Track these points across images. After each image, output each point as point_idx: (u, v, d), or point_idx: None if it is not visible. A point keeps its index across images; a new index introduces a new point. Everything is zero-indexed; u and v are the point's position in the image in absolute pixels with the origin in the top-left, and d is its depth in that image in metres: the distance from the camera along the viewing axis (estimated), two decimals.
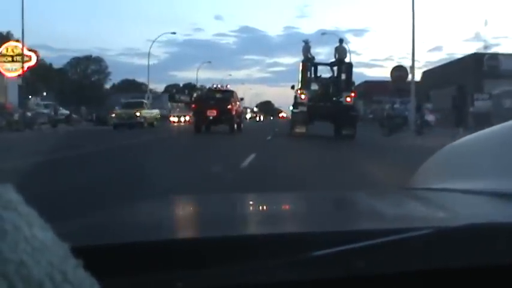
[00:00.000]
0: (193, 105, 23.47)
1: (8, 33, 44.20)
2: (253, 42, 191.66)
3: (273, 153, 11.63)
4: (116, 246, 0.65)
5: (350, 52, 38.37)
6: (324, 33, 42.91)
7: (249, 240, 0.70)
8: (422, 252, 0.62)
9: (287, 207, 1.32)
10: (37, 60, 31.51)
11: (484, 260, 0.64)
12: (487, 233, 0.65)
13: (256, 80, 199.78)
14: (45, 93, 46.91)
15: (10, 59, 29.16)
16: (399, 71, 23.85)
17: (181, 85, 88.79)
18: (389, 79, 24.41)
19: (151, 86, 78.65)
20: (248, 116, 42.22)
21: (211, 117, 20.26)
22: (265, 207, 1.29)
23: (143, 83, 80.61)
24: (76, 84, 57.94)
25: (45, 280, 0.28)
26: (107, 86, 72.07)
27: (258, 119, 74.68)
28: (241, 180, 6.70)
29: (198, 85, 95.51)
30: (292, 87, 20.53)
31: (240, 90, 30.19)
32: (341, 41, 19.42)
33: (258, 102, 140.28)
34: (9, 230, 0.29)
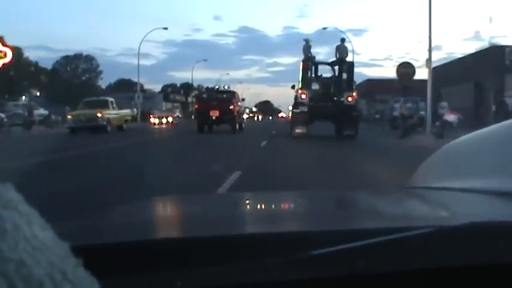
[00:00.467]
0: (196, 106, 24.73)
1: None
2: (252, 42, 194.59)
3: (266, 167, 9.03)
4: (115, 245, 0.67)
5: (353, 51, 38.27)
6: (325, 28, 42.78)
7: (249, 239, 0.72)
8: (423, 251, 0.64)
9: (287, 206, 1.34)
10: (12, 56, 29.67)
11: (484, 258, 0.65)
12: (487, 231, 0.67)
13: (256, 80, 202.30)
14: (38, 93, 46.49)
15: None
16: (406, 68, 22.65)
17: (178, 85, 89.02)
18: (392, 77, 24.32)
19: (150, 86, 78.81)
20: (245, 116, 41.49)
21: (213, 118, 21.28)
22: (265, 206, 1.31)
23: (137, 82, 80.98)
24: (66, 84, 56.35)
25: (45, 279, 0.28)
26: (103, 85, 71.55)
27: (256, 119, 74.64)
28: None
29: (196, 85, 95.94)
30: (293, 87, 20.63)
31: (238, 90, 29.82)
32: (343, 40, 19.45)
33: (257, 102, 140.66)
34: (9, 229, 0.29)
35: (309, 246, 0.61)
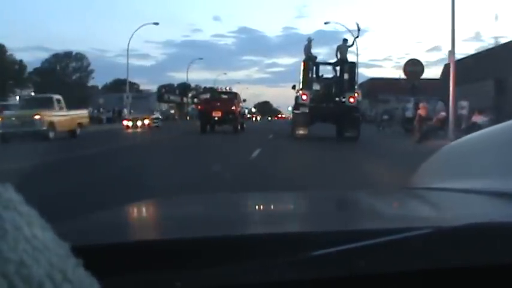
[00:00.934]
0: (199, 107, 26.55)
1: None
2: (251, 42, 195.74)
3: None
4: (115, 245, 0.68)
5: (357, 52, 38.04)
6: (327, 22, 42.68)
7: (249, 239, 0.73)
8: (423, 251, 0.65)
9: (288, 206, 1.37)
10: None
11: (483, 259, 0.67)
12: (487, 232, 0.68)
13: (255, 81, 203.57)
14: (33, 93, 46.17)
15: None
16: (414, 66, 21.15)
17: (175, 85, 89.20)
18: (395, 77, 23.69)
19: (148, 87, 78.71)
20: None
21: (216, 118, 22.38)
22: (266, 207, 1.34)
23: (135, 83, 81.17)
24: (55, 83, 54.00)
25: (45, 280, 0.29)
26: (98, 85, 71.54)
27: (254, 119, 74.59)
28: None
29: (193, 85, 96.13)
30: (293, 87, 20.74)
31: (236, 90, 29.86)
32: (344, 40, 19.36)
33: (257, 102, 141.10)
34: (10, 230, 0.30)
35: (310, 246, 0.63)
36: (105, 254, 0.62)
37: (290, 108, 22.33)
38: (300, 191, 4.33)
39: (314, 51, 19.42)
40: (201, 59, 77.13)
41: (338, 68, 19.05)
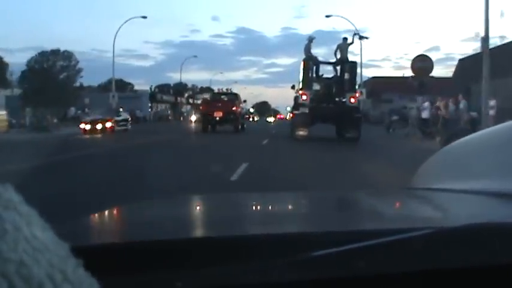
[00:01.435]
0: (201, 107, 28.03)
1: None
2: (250, 43, 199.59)
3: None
4: (115, 245, 0.70)
5: (361, 51, 37.55)
6: (328, 16, 42.26)
7: (250, 240, 0.75)
8: (423, 252, 0.67)
9: (288, 207, 1.39)
10: None
11: (483, 259, 0.69)
12: (487, 233, 0.70)
13: (254, 81, 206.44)
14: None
15: None
16: (422, 62, 19.91)
17: (171, 85, 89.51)
18: (397, 76, 23.09)
19: (146, 87, 78.75)
20: None
21: (217, 118, 23.76)
22: (266, 207, 1.37)
23: (129, 82, 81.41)
24: (42, 82, 52.61)
25: (45, 280, 0.30)
26: (89, 85, 71.27)
27: (252, 120, 74.63)
28: None
29: (190, 85, 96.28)
30: (293, 87, 20.85)
31: (234, 90, 30.30)
32: (345, 39, 19.32)
33: (255, 103, 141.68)
34: (10, 230, 0.31)
35: (310, 247, 0.64)
36: (105, 254, 0.64)
37: (289, 109, 22.60)
38: (300, 191, 4.39)
39: (313, 51, 19.31)
40: (195, 56, 77.66)
41: (338, 68, 19.05)
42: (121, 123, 28.39)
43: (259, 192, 3.90)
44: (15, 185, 0.33)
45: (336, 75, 19.29)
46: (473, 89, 20.64)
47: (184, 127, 35.11)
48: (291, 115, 22.10)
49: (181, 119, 58.88)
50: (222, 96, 26.88)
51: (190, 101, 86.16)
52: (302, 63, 18.89)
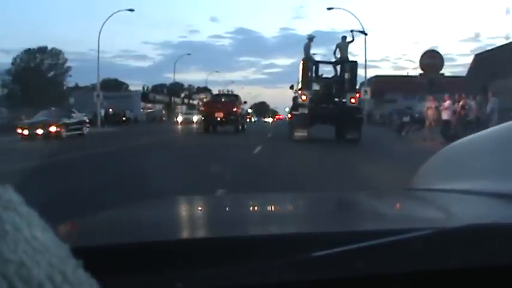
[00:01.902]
0: (202, 108, 29.60)
1: None
2: (248, 43, 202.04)
3: None
4: (115, 246, 0.71)
5: (365, 47, 37.39)
6: (330, 8, 41.90)
7: (249, 240, 0.77)
8: (423, 252, 0.68)
9: (288, 207, 1.42)
10: None
11: (483, 260, 0.70)
12: (487, 233, 0.71)
13: (252, 82, 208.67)
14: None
15: None
16: (432, 58, 18.98)
17: (167, 85, 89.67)
18: (401, 74, 22.39)
19: (141, 88, 78.87)
20: None
21: (218, 119, 24.98)
22: (265, 208, 1.39)
23: (124, 82, 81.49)
24: (28, 81, 51.64)
25: (45, 281, 0.31)
26: (79, 84, 70.85)
27: (249, 120, 74.65)
28: None
29: (186, 85, 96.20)
30: (291, 87, 20.92)
31: (230, 90, 31.34)
32: (344, 38, 19.28)
33: (253, 103, 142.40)
34: (10, 231, 0.31)
35: (310, 247, 0.66)
36: (105, 255, 0.65)
37: (288, 109, 22.70)
38: (300, 192, 4.44)
39: (311, 51, 19.32)
40: (189, 54, 77.87)
41: (338, 67, 19.06)
42: (73, 127, 23.23)
43: (258, 193, 3.88)
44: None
45: (335, 75, 19.30)
46: (491, 86, 18.88)
47: (172, 129, 34.48)
48: (290, 116, 22.08)
49: (175, 119, 58.50)
50: (223, 98, 28.73)
51: (186, 101, 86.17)
52: (301, 62, 18.87)
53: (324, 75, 19.82)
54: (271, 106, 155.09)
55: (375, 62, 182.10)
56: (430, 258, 0.70)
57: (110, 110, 46.59)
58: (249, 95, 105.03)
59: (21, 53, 58.49)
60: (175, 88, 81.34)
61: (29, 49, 58.72)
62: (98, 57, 36.85)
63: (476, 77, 19.06)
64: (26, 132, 21.63)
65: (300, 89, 18.52)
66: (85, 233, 0.89)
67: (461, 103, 18.43)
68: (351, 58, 19.25)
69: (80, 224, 1.01)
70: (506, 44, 28.15)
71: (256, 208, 1.41)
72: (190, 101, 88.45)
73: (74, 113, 24.91)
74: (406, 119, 23.89)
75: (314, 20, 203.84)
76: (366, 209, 1.32)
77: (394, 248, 0.68)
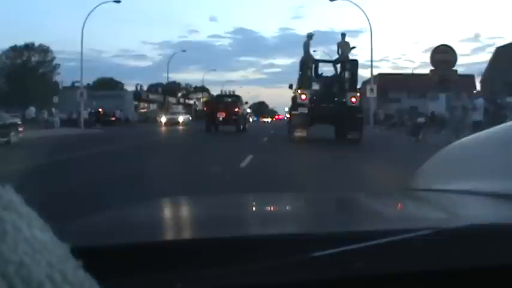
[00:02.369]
0: (205, 108, 31.45)
1: None
2: (248, 43, 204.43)
3: None
4: (115, 247, 0.74)
5: (371, 44, 35.61)
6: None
7: (248, 241, 0.79)
8: (423, 252, 0.71)
9: (288, 207, 1.44)
10: None
11: (483, 260, 0.73)
12: (486, 234, 0.74)
13: (252, 81, 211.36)
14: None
15: None
16: (444, 53, 17.07)
17: (164, 84, 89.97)
18: (406, 72, 21.33)
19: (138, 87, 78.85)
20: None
21: (221, 119, 26.40)
22: (265, 208, 1.41)
23: (119, 82, 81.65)
24: (13, 79, 50.49)
25: (45, 281, 0.31)
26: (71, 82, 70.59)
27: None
28: None
29: (184, 84, 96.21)
30: (290, 86, 20.81)
31: (229, 90, 32.27)
32: (343, 35, 19.36)
33: (252, 103, 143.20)
34: (10, 231, 0.32)
35: (310, 248, 0.68)
36: (104, 255, 0.67)
37: (287, 109, 22.88)
38: (300, 192, 4.49)
39: (311, 50, 19.33)
40: (184, 51, 77.91)
41: (339, 66, 19.13)
42: None
43: (258, 193, 3.96)
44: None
45: (336, 74, 19.35)
46: None
47: (158, 130, 32.78)
48: (289, 116, 22.10)
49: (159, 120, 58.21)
50: (225, 98, 30.51)
51: (182, 100, 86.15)
52: (301, 61, 18.93)
53: (324, 75, 19.88)
54: (271, 106, 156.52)
55: (374, 62, 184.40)
56: (430, 258, 0.72)
57: (100, 110, 45.56)
58: (248, 95, 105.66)
59: (7, 49, 57.30)
60: (172, 87, 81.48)
61: (16, 46, 57.42)
62: (82, 52, 35.47)
63: (497, 72, 17.77)
64: None
65: (299, 88, 18.55)
66: (85, 233, 0.91)
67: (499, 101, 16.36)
68: (350, 57, 19.26)
69: (79, 224, 1.03)
70: None
71: (255, 208, 1.43)
72: (187, 101, 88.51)
73: (52, 113, 23.89)
74: (421, 120, 21.99)
75: (313, 20, 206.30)
76: (366, 209, 1.34)
77: (394, 248, 0.70)
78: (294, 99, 19.46)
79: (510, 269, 0.74)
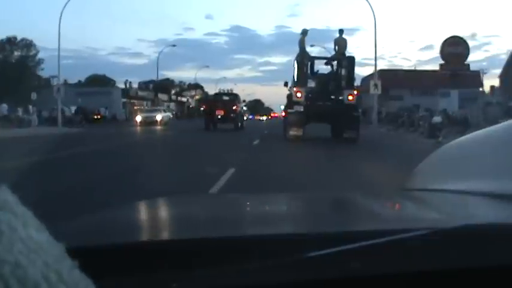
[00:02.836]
0: (203, 106, 32.58)
1: None
2: (244, 41, 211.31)
3: None
4: (111, 246, 0.75)
5: (375, 41, 33.65)
6: None
7: (246, 240, 0.81)
8: (418, 253, 0.73)
9: (285, 207, 1.46)
10: None
11: (480, 260, 0.75)
12: (483, 234, 0.76)
13: (248, 79, 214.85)
14: None
15: None
16: (455, 46, 16.54)
17: (155, 81, 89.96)
18: (409, 68, 19.68)
19: (134, 85, 78.65)
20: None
21: (219, 117, 27.70)
22: (262, 208, 1.43)
23: (111, 79, 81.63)
24: None
25: (40, 281, 0.32)
26: (70, 80, 70.56)
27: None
28: None
29: (177, 81, 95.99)
30: (285, 84, 20.88)
31: (224, 87, 32.93)
32: (341, 31, 19.39)
33: (247, 101, 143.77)
34: (5, 231, 0.33)
35: (307, 247, 0.70)
36: (100, 255, 0.68)
37: (283, 107, 22.91)
38: (297, 192, 4.53)
39: (306, 46, 19.33)
40: (174, 46, 77.86)
41: (335, 63, 19.18)
42: None
43: (254, 193, 3.96)
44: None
45: (332, 71, 19.37)
46: None
47: (132, 131, 29.77)
48: (284, 114, 22.03)
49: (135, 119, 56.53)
50: (224, 96, 31.90)
51: (174, 97, 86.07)
52: (296, 58, 18.89)
53: (320, 72, 19.86)
54: (266, 104, 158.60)
55: (371, 60, 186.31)
56: (426, 258, 0.73)
57: (81, 107, 44.28)
58: (243, 93, 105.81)
59: None
60: (166, 85, 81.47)
61: None
62: (59, 46, 32.93)
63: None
64: None
65: (294, 86, 18.52)
66: (80, 233, 0.93)
67: None
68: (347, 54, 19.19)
69: (75, 224, 1.05)
70: None
71: (252, 208, 1.45)
72: (180, 98, 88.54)
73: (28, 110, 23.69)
74: (437, 119, 20.60)
75: (309, 18, 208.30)
76: (363, 209, 1.36)
77: (391, 248, 0.72)
78: (289, 97, 19.46)
79: (507, 269, 0.76)
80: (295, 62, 18.96)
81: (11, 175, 8.28)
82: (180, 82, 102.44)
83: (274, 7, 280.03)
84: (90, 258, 0.43)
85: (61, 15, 31.74)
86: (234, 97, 31.96)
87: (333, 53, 19.69)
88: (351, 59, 19.26)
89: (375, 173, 9.13)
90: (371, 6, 27.87)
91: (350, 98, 18.13)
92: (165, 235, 0.94)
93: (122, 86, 73.46)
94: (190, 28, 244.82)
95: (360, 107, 19.44)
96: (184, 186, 7.50)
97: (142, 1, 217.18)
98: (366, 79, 39.03)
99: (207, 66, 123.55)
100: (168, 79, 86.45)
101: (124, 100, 62.91)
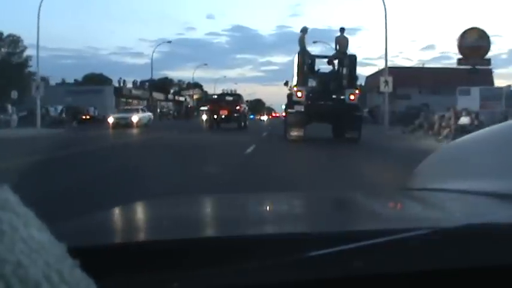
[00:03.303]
0: (208, 106, 34.01)
1: None
2: (245, 41, 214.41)
3: None
4: (112, 246, 0.77)
5: (386, 38, 31.53)
6: None
7: (247, 240, 0.83)
8: (419, 252, 0.74)
9: (286, 207, 1.47)
10: None
11: (480, 260, 0.76)
12: (484, 233, 0.78)
13: (249, 79, 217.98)
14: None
15: None
16: (476, 40, 14.71)
17: (153, 80, 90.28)
18: (416, 66, 18.76)
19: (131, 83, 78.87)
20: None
21: (223, 116, 29.69)
22: (263, 208, 1.45)
23: (108, 78, 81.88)
24: None
25: (42, 280, 0.33)
26: (68, 79, 70.16)
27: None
28: None
29: (176, 80, 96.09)
30: (286, 83, 20.97)
31: (225, 87, 33.71)
32: (342, 30, 19.47)
33: (249, 100, 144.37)
34: (7, 231, 0.34)
35: (308, 247, 0.71)
36: (102, 255, 0.70)
37: (284, 107, 23.07)
38: (298, 191, 4.57)
39: (306, 45, 19.37)
40: (170, 42, 78.51)
41: (337, 62, 19.20)
42: None
43: (256, 193, 3.99)
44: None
45: (333, 70, 19.37)
46: None
47: (105, 134, 25.56)
48: (284, 114, 22.07)
49: (160, 119, 53.94)
50: (227, 97, 33.74)
51: (171, 97, 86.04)
52: (297, 57, 18.87)
53: (321, 71, 19.88)
54: (267, 104, 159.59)
55: (372, 60, 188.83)
56: (427, 257, 0.75)
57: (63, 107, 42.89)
58: (245, 92, 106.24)
59: None
60: (164, 84, 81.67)
61: None
62: (38, 43, 31.02)
63: None
64: None
65: (295, 86, 18.53)
66: (82, 233, 0.94)
67: None
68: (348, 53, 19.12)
69: (76, 223, 1.06)
70: None
71: (253, 208, 1.47)
72: (177, 98, 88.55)
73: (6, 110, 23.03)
74: (465, 120, 19.03)
75: (311, 17, 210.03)
76: (364, 209, 1.38)
77: (392, 247, 0.74)
78: (289, 96, 19.46)
79: (508, 269, 0.77)
80: (296, 60, 18.96)
81: None
82: (179, 81, 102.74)
83: (275, 7, 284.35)
84: (91, 258, 0.45)
85: (40, 5, 29.79)
86: (237, 97, 33.70)
87: (335, 51, 19.71)
88: (353, 58, 19.22)
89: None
90: (383, 1, 27.07)
91: (352, 97, 18.17)
92: (165, 235, 0.95)
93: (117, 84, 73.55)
94: (191, 28, 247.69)
95: (365, 107, 19.22)
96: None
97: (144, 1, 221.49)
98: (372, 77, 38.75)
99: (206, 64, 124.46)
100: (166, 78, 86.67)
101: (119, 99, 62.14)
